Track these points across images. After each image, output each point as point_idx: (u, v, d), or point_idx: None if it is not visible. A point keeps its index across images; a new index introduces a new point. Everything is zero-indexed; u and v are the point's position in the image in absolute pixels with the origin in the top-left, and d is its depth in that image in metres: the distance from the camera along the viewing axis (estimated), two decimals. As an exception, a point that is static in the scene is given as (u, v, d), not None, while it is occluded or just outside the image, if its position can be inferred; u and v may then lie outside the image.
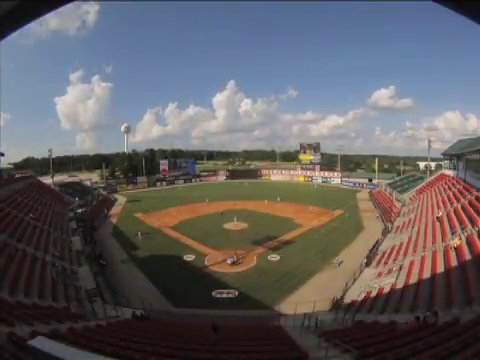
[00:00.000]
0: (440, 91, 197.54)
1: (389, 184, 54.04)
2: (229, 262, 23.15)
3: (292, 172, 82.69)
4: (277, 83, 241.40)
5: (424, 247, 19.92)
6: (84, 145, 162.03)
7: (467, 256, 14.97)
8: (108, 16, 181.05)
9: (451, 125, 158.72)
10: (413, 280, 15.89)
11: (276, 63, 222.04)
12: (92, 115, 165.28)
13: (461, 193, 27.31)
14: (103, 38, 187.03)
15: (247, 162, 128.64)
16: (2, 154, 39.93)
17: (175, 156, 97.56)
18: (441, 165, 55.50)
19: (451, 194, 29.24)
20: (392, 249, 23.10)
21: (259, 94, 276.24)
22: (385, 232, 29.34)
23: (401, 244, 23.10)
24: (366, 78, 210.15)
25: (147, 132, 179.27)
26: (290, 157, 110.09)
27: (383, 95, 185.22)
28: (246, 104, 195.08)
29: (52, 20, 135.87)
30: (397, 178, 59.72)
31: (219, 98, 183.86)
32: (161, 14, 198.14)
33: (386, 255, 22.49)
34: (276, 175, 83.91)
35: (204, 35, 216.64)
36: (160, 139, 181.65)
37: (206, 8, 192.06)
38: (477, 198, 22.85)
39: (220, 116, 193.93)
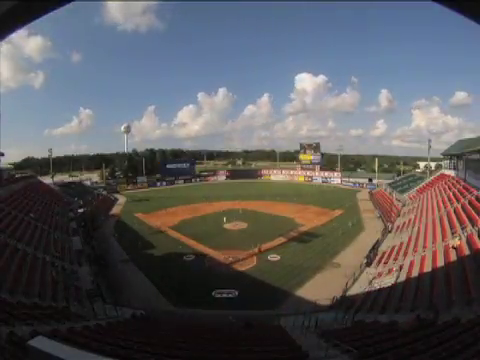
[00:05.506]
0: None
1: (389, 184, 54.13)
2: (227, 262, 23.17)
3: (292, 172, 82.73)
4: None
5: (424, 247, 19.94)
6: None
7: (467, 256, 14.97)
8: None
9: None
10: (413, 280, 15.90)
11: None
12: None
13: (461, 193, 27.31)
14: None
15: (247, 162, 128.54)
16: (2, 154, 39.89)
17: (175, 156, 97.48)
18: (441, 165, 55.51)
19: (451, 194, 29.24)
20: (392, 249, 23.10)
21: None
22: (385, 232, 29.34)
23: (401, 244, 23.11)
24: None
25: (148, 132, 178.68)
26: (290, 157, 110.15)
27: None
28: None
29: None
30: (397, 178, 59.74)
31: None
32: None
33: (386, 255, 22.49)
34: (276, 175, 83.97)
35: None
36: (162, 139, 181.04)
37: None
38: (477, 198, 22.87)
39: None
